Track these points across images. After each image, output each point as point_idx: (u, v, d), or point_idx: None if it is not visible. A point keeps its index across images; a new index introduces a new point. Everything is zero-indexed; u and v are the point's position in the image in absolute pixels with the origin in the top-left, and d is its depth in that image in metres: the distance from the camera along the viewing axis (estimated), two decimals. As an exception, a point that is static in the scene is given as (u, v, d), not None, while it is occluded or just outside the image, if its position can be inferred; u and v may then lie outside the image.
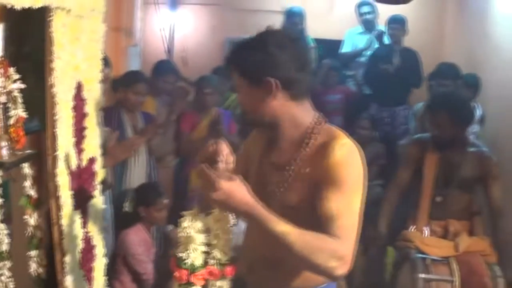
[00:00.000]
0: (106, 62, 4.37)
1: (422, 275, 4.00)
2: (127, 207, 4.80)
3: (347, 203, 2.32)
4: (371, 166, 6.45)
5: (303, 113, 2.52)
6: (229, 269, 2.39)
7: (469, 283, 4.02)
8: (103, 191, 3.54)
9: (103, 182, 3.66)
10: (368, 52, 7.71)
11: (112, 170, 4.86)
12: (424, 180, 4.39)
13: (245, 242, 2.71)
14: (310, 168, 2.43)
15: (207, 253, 2.36)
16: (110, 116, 5.00)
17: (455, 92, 5.49)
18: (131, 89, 5.14)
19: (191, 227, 2.32)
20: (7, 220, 2.95)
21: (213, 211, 2.37)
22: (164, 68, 6.34)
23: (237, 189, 2.19)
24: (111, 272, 4.42)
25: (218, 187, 2.15)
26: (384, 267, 4.98)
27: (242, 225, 2.74)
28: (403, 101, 7.39)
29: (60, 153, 2.68)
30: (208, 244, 2.35)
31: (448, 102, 4.48)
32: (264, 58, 2.39)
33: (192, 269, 2.32)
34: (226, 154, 2.38)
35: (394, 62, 7.16)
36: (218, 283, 2.38)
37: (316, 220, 2.31)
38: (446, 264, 4.14)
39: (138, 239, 4.63)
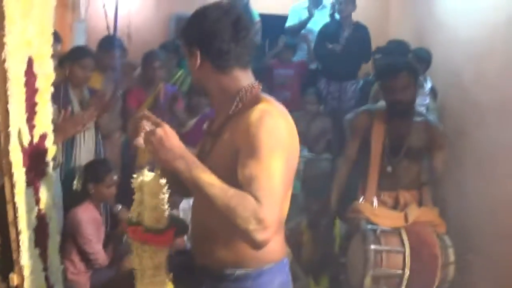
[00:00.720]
0: (56, 37, 4.34)
1: (373, 246, 4.04)
2: (75, 184, 4.75)
3: (265, 165, 2.27)
4: (319, 141, 6.55)
5: (231, 83, 2.54)
6: (155, 238, 2.42)
7: (419, 254, 4.08)
8: (53, 168, 3.50)
9: (53, 158, 3.62)
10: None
11: (60, 148, 4.81)
12: (372, 150, 4.43)
13: (192, 216, 2.71)
14: (230, 134, 2.46)
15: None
16: (57, 92, 4.92)
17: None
18: (77, 64, 5.13)
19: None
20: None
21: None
22: (110, 43, 6.30)
23: (173, 134, 2.28)
24: (61, 252, 4.39)
25: (157, 132, 2.25)
26: (333, 239, 5.05)
27: (190, 201, 2.76)
28: (353, 76, 7.46)
29: (13, 130, 2.63)
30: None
31: (409, 65, 4.59)
32: (194, 30, 2.51)
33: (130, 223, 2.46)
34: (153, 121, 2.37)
35: (342, 39, 7.22)
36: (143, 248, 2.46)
37: (237, 187, 2.28)
38: (396, 234, 4.19)
39: (87, 218, 4.57)
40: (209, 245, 2.57)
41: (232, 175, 2.33)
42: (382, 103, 4.70)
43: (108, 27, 7.41)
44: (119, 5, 7.67)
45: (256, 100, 2.48)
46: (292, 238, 5.14)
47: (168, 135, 2.24)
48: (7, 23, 2.61)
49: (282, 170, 2.31)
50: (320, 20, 7.81)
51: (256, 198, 2.20)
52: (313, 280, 5.19)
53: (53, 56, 4.20)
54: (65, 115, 4.25)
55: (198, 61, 2.50)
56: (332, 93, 7.34)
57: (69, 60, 5.18)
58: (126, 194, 4.69)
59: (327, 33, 7.39)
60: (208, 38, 2.48)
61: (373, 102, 5.74)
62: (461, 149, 5.02)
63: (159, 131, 2.23)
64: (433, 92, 6.04)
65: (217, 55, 2.49)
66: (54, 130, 3.43)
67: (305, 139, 6.21)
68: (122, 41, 6.75)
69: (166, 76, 6.41)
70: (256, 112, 2.38)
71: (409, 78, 4.37)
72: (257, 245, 2.22)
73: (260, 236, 2.18)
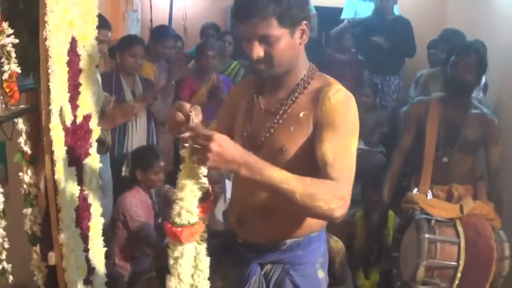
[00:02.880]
0: (107, 25, 4.38)
1: (427, 235, 3.95)
2: (124, 171, 4.78)
3: (344, 145, 2.35)
4: (373, 133, 6.48)
5: (304, 59, 2.58)
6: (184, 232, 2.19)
7: (475, 246, 3.96)
8: (101, 152, 3.51)
9: (102, 143, 3.64)
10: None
11: (112, 134, 4.86)
12: (427, 140, 4.34)
13: (234, 195, 2.70)
14: (305, 112, 2.46)
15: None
16: (109, 81, 5.02)
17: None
18: (127, 52, 5.19)
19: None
20: (3, 181, 2.92)
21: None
22: (163, 32, 6.35)
23: (228, 143, 2.09)
24: (111, 237, 4.42)
25: (212, 147, 2.04)
26: (387, 231, 4.98)
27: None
28: (396, 71, 7.40)
29: (54, 108, 2.62)
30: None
31: (477, 48, 4.50)
32: (299, 3, 2.42)
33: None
34: (194, 115, 2.18)
35: (386, 33, 7.17)
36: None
37: (306, 163, 2.33)
38: (451, 226, 4.08)
39: (136, 201, 4.62)
40: (259, 222, 2.62)
41: (297, 150, 2.45)
42: (436, 94, 4.62)
43: (151, 19, 7.46)
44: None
45: (325, 80, 2.54)
46: (346, 229, 5.09)
47: (224, 146, 2.05)
48: (49, 2, 2.61)
49: (356, 150, 2.40)
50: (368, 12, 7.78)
51: (334, 176, 2.27)
52: (363, 273, 5.11)
53: (103, 43, 4.27)
54: (114, 102, 4.27)
55: (306, 33, 2.48)
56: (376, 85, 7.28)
57: (119, 49, 5.25)
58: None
59: (370, 26, 7.34)
60: (308, 12, 2.51)
61: (422, 93, 5.65)
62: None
63: (214, 147, 2.03)
64: (485, 87, 5.92)
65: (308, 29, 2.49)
66: (103, 117, 3.45)
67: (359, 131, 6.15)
68: (175, 31, 6.78)
69: (219, 66, 6.40)
70: (340, 93, 2.44)
71: (476, 61, 4.31)
72: (335, 220, 2.27)
73: (339, 212, 2.23)
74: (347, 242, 4.95)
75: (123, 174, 4.79)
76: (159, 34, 6.28)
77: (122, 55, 5.20)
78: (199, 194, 2.18)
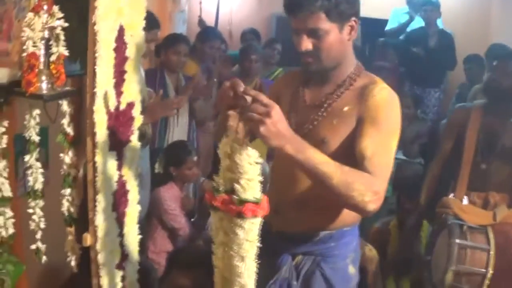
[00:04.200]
0: (156, 24, 4.45)
1: (458, 240, 3.94)
2: (157, 168, 4.83)
3: (384, 142, 2.38)
4: (413, 144, 6.47)
5: (353, 57, 2.64)
6: (248, 209, 2.10)
7: (505, 254, 3.94)
8: (142, 145, 3.55)
9: (143, 136, 3.68)
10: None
11: (154, 129, 4.92)
12: (466, 146, 4.34)
13: (271, 185, 2.73)
14: (349, 107, 2.51)
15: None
16: (154, 77, 5.10)
17: None
18: (172, 50, 5.30)
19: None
20: (44, 165, 2.98)
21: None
22: (210, 34, 6.42)
23: (283, 117, 2.09)
24: (146, 231, 4.46)
25: (271, 116, 2.01)
26: (420, 240, 4.96)
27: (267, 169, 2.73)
28: (437, 84, 7.38)
29: (99, 91, 2.67)
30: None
31: None
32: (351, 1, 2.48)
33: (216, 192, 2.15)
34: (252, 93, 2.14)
35: (428, 45, 7.16)
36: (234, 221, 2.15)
37: (346, 157, 2.34)
38: (483, 233, 4.07)
39: (170, 195, 4.67)
40: (294, 212, 2.66)
41: (340, 144, 2.50)
42: (478, 101, 4.61)
43: (199, 22, 7.54)
44: (220, 2, 7.82)
45: (371, 78, 2.60)
46: (380, 237, 5.09)
47: (281, 118, 2.06)
48: (99, -12, 2.67)
49: (395, 149, 2.45)
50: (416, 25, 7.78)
51: (371, 171, 2.30)
52: (394, 282, 5.10)
53: (152, 41, 4.35)
54: (156, 97, 4.32)
55: (355, 29, 2.53)
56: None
57: (164, 46, 5.36)
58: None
59: (412, 38, 7.36)
60: (358, 9, 2.54)
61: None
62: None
63: (275, 114, 2.02)
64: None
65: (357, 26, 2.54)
66: (144, 111, 3.50)
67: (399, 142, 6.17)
68: (220, 33, 6.85)
69: (264, 70, 6.45)
70: (385, 90, 2.50)
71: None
72: (368, 214, 2.33)
73: (373, 206, 2.27)
74: (380, 250, 4.94)
75: (156, 171, 4.83)
76: (206, 35, 6.39)
77: (166, 52, 5.32)
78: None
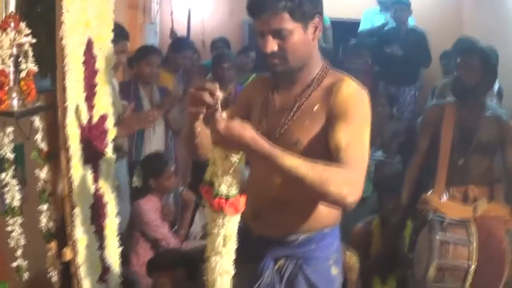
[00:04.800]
0: (125, 35, 4.44)
1: (439, 236, 3.95)
2: (135, 181, 4.81)
3: (357, 134, 2.40)
4: (391, 143, 6.49)
5: (319, 57, 2.64)
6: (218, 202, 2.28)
7: (486, 247, 3.95)
8: (118, 158, 3.55)
9: (118, 149, 3.67)
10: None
11: (130, 141, 4.91)
12: (442, 143, 4.35)
13: (250, 189, 2.72)
14: (318, 106, 2.52)
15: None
16: (127, 89, 5.09)
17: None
18: (144, 61, 5.29)
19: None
20: (21, 182, 2.96)
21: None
22: (182, 44, 6.43)
23: (238, 127, 2.18)
24: (128, 245, 4.44)
25: (218, 126, 2.16)
26: (403, 239, 4.97)
27: (246, 173, 2.73)
28: (411, 82, 7.42)
29: (70, 105, 2.67)
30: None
31: (481, 49, 4.55)
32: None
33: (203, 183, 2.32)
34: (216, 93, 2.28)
35: (400, 44, 7.20)
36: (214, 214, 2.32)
37: (318, 156, 2.33)
38: (464, 227, 4.08)
39: (150, 207, 4.66)
40: (273, 215, 2.66)
41: (311, 145, 2.51)
42: (451, 98, 4.63)
43: (171, 33, 7.55)
44: (192, 12, 7.83)
45: (338, 76, 2.61)
46: (362, 237, 5.09)
47: (238, 129, 2.18)
48: (66, 2, 2.67)
49: (368, 142, 2.45)
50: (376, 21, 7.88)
51: (347, 163, 2.32)
52: (380, 280, 5.10)
53: (122, 53, 4.33)
54: (131, 109, 4.31)
55: (319, 29, 2.55)
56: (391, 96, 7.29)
57: (136, 58, 5.35)
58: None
59: (385, 37, 7.41)
60: (321, 9, 2.55)
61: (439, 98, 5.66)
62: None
63: (221, 122, 2.17)
64: (500, 93, 5.91)
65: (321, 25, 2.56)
66: (120, 124, 3.49)
67: (376, 141, 6.20)
68: (193, 42, 6.87)
69: (237, 77, 6.45)
70: (352, 86, 2.51)
71: (480, 63, 4.34)
72: (348, 207, 2.30)
73: (352, 198, 2.26)
74: (363, 250, 4.95)
75: (134, 184, 4.82)
76: (178, 46, 6.39)
77: (139, 64, 5.30)
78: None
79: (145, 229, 4.63)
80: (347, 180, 2.26)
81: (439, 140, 4.40)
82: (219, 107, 2.21)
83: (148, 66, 5.27)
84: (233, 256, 2.38)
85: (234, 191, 2.27)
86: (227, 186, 2.25)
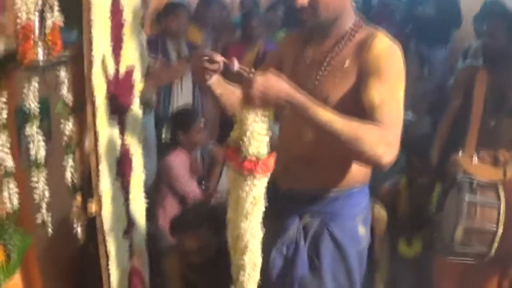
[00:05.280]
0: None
1: (467, 197, 3.89)
2: (164, 136, 4.80)
3: (391, 91, 2.34)
4: (421, 103, 6.41)
5: (352, 11, 2.58)
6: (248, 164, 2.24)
7: (514, 212, 3.90)
8: (145, 112, 3.53)
9: (146, 103, 3.66)
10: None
11: (158, 96, 4.91)
12: (474, 103, 4.26)
13: (279, 143, 2.69)
14: (350, 61, 2.47)
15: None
16: (155, 44, 5.07)
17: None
18: (171, 16, 5.30)
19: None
20: (47, 136, 2.95)
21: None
22: (211, 0, 6.33)
23: (273, 80, 2.20)
24: (154, 200, 4.44)
25: (254, 81, 2.17)
26: (430, 201, 4.92)
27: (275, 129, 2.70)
28: (443, 42, 7.28)
29: (96, 56, 2.64)
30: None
31: (508, 12, 4.46)
32: None
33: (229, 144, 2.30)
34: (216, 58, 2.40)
35: (431, 4, 7.07)
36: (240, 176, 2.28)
37: (350, 113, 2.29)
38: (493, 189, 4.01)
39: (178, 162, 4.64)
40: (303, 170, 2.62)
41: (345, 100, 2.45)
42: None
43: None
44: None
45: (371, 31, 2.53)
46: (389, 197, 5.04)
47: (272, 83, 2.20)
48: (92, -47, 2.63)
49: (403, 98, 2.39)
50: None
51: (382, 122, 2.27)
52: (406, 242, 5.07)
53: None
54: (158, 63, 4.29)
55: None
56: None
57: (164, 13, 5.36)
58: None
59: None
60: None
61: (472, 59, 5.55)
62: None
63: (258, 80, 2.18)
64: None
65: None
66: (149, 77, 3.47)
67: (406, 101, 6.14)
68: (223, -1, 6.81)
69: (266, 34, 6.39)
70: (385, 41, 2.45)
71: (507, 28, 4.20)
72: (384, 166, 2.27)
73: (388, 157, 2.24)
74: (390, 211, 4.91)
75: (163, 140, 4.81)
76: (207, 1, 6.31)
77: (166, 19, 5.30)
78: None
79: (173, 184, 4.63)
80: (383, 139, 2.23)
81: (471, 101, 4.32)
82: (246, 69, 2.24)
83: (176, 21, 5.27)
84: (260, 220, 2.36)
85: (264, 151, 2.24)
86: (257, 147, 2.22)
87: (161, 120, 4.93)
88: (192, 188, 4.65)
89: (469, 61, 4.79)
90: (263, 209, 2.35)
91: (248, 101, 2.21)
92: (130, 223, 3.16)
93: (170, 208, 4.64)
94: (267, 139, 2.25)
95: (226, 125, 4.78)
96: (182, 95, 5.31)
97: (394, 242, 4.90)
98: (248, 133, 2.21)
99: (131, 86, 3.11)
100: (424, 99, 6.47)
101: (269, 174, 2.30)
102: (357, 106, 2.38)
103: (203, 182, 4.90)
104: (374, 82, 2.35)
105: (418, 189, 4.94)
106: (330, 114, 2.21)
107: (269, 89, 2.18)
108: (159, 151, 4.73)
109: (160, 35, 5.32)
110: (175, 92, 5.26)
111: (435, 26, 7.06)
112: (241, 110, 2.24)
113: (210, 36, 6.11)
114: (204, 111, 5.65)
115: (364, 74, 2.40)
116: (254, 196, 2.28)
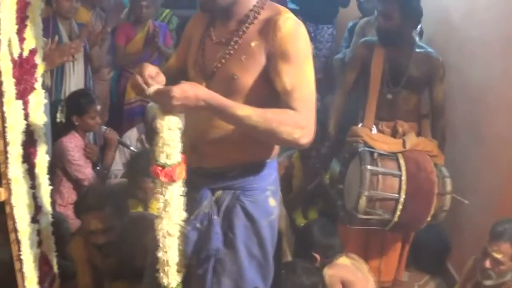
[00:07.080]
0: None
1: (369, 167, 4.01)
2: (58, 117, 4.70)
3: (300, 74, 2.44)
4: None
5: None
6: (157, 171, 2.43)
7: (416, 179, 4.04)
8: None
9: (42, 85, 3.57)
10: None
11: (50, 79, 4.79)
12: (371, 78, 4.39)
13: (187, 122, 2.72)
14: (256, 42, 2.51)
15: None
16: (47, 26, 4.92)
17: None
18: None
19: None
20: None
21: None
22: (99, -21, 6.22)
23: (190, 88, 2.33)
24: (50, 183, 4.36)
25: (173, 93, 2.30)
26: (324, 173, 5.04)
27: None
28: (329, 20, 7.39)
29: (3, 37, 2.57)
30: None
31: None
32: None
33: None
34: (155, 74, 2.45)
35: None
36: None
37: (255, 92, 2.47)
38: (393, 160, 4.16)
39: (73, 145, 4.59)
40: (210, 148, 2.68)
41: (257, 82, 2.51)
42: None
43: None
44: None
45: (276, 8, 2.57)
46: (284, 171, 5.12)
47: (189, 91, 2.33)
48: None
49: (313, 76, 2.49)
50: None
51: (294, 106, 2.41)
52: (302, 213, 5.19)
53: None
54: (52, 44, 4.19)
55: None
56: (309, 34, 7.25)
57: None
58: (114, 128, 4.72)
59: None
60: None
61: (359, 37, 5.68)
62: (450, 85, 4.94)
63: (176, 91, 2.31)
64: (421, 32, 5.97)
65: None
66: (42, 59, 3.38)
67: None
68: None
69: (154, 13, 6.35)
70: (289, 21, 2.46)
71: (398, 9, 4.30)
72: (304, 146, 2.47)
73: (305, 140, 2.42)
74: (285, 184, 5.00)
75: (57, 120, 4.70)
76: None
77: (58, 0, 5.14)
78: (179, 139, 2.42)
79: (67, 168, 4.57)
80: (298, 124, 2.39)
81: (368, 75, 4.44)
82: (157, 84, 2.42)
83: (67, 1, 5.12)
84: (176, 219, 2.52)
85: (171, 160, 2.40)
86: (165, 156, 2.39)
87: (55, 104, 4.81)
88: (86, 173, 4.62)
89: (366, 38, 4.86)
90: (178, 210, 2.53)
91: (168, 110, 2.37)
92: (38, 208, 3.10)
93: (67, 193, 4.62)
94: (176, 149, 2.41)
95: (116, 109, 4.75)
96: (74, 78, 5.21)
97: (291, 215, 5.01)
98: (159, 143, 2.39)
99: (34, 68, 3.04)
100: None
101: (179, 181, 2.47)
102: (265, 86, 2.48)
103: (98, 165, 4.84)
104: (283, 66, 2.43)
105: (310, 162, 5.05)
106: (247, 109, 2.35)
107: (188, 97, 2.32)
108: (54, 135, 4.63)
109: (51, 16, 5.17)
110: (67, 76, 5.16)
111: (322, 4, 7.14)
112: (157, 119, 2.39)
113: (99, 17, 6.00)
114: (95, 94, 5.57)
115: (272, 57, 2.46)
116: (165, 199, 2.47)
